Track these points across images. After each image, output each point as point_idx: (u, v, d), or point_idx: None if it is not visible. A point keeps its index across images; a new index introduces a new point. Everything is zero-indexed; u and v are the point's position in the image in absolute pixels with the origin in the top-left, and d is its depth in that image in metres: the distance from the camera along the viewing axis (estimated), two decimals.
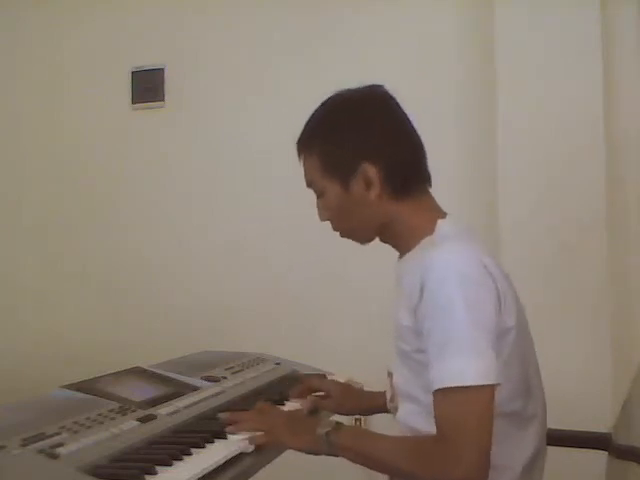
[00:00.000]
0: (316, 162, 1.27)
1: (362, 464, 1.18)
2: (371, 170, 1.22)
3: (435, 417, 1.08)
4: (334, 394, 1.54)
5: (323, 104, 1.30)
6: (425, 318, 1.12)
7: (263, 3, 2.71)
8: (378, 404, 1.49)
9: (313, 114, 1.31)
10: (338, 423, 1.18)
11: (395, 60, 2.50)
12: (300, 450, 1.21)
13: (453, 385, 1.06)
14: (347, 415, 1.60)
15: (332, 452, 1.17)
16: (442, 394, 1.07)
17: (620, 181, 2.29)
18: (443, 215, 1.27)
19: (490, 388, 1.06)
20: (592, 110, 2.24)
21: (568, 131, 2.25)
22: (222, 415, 1.28)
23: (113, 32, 2.91)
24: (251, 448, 1.17)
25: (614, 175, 2.27)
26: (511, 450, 1.16)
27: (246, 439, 1.19)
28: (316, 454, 1.20)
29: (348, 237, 1.32)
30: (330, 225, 1.33)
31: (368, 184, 1.23)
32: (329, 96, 1.30)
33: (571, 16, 2.27)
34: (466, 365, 1.06)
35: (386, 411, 1.43)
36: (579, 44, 2.27)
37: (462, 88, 2.49)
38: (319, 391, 1.57)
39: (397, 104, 1.29)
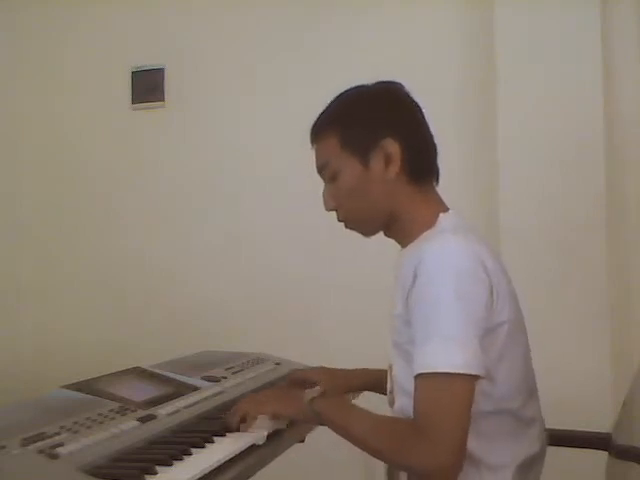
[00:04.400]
0: (333, 142, 1.26)
1: (342, 436, 1.19)
2: (393, 146, 1.23)
3: (413, 401, 1.09)
4: (321, 381, 1.53)
5: (341, 93, 1.31)
6: (414, 306, 1.13)
7: (263, 3, 2.71)
8: (370, 380, 1.51)
9: (329, 104, 1.31)
10: (325, 392, 1.22)
11: (395, 60, 2.49)
12: (287, 416, 1.25)
13: (432, 371, 1.06)
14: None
15: (317, 420, 1.20)
16: (421, 379, 1.08)
17: (620, 181, 2.29)
18: (445, 209, 1.28)
19: (471, 378, 1.06)
20: (592, 110, 2.24)
21: (568, 131, 2.25)
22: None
23: (113, 32, 2.91)
24: (266, 434, 1.19)
25: (614, 175, 2.27)
26: (506, 449, 1.16)
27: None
28: (305, 422, 1.24)
29: (353, 227, 1.31)
30: (333, 218, 1.32)
31: (387, 161, 1.23)
32: (346, 89, 1.32)
33: (571, 16, 2.27)
34: (448, 352, 1.07)
35: (375, 390, 1.46)
36: (579, 44, 2.27)
37: (462, 88, 2.49)
38: (305, 382, 1.55)
39: (414, 99, 1.31)
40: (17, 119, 3.02)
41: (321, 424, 1.21)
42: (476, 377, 1.07)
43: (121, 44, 2.90)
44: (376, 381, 1.45)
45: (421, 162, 1.27)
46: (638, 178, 2.31)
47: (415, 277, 1.13)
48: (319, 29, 2.65)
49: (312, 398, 1.20)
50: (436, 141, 1.32)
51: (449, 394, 1.06)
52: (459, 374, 1.05)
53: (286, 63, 2.68)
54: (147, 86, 2.85)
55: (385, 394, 1.35)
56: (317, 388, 1.25)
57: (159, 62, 2.83)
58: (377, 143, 1.23)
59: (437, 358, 1.06)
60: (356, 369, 1.59)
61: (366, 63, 2.49)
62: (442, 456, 1.03)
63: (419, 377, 1.08)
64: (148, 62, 2.84)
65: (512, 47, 2.32)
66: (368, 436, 1.14)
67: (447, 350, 1.07)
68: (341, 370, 1.59)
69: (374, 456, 1.19)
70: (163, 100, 2.84)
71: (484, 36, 2.40)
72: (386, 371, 1.36)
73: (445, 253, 1.14)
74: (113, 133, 2.92)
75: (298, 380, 1.57)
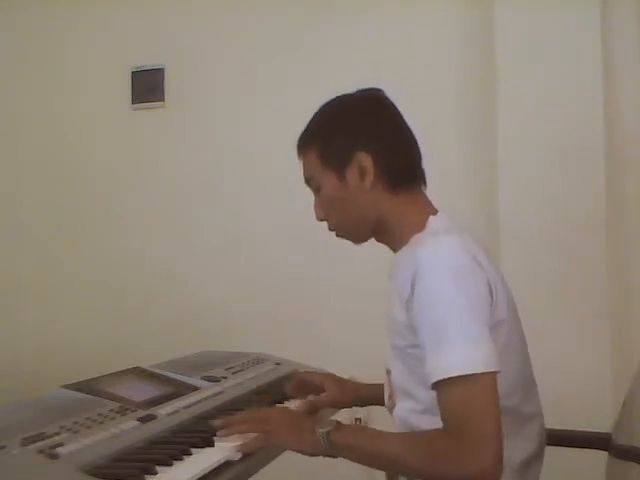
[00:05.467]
0: (313, 156, 1.30)
1: (365, 463, 1.16)
2: (365, 159, 1.25)
3: (441, 409, 1.07)
4: (328, 388, 1.52)
5: (323, 106, 1.34)
6: (419, 311, 1.13)
7: (263, 3, 2.71)
8: (376, 395, 1.48)
9: (313, 115, 1.34)
10: (339, 422, 1.17)
11: (395, 60, 2.50)
12: (298, 451, 1.18)
13: (457, 374, 1.05)
14: (345, 408, 1.57)
15: (332, 452, 1.15)
16: (446, 385, 1.06)
17: (620, 181, 2.29)
18: (435, 212, 1.29)
19: (493, 375, 1.06)
20: (592, 110, 2.24)
21: (568, 131, 2.25)
22: (215, 422, 1.22)
23: (113, 32, 2.91)
24: (239, 456, 1.13)
25: (614, 175, 2.27)
26: (506, 447, 1.16)
27: (237, 445, 1.14)
28: (314, 455, 1.17)
29: (343, 236, 1.34)
30: (327, 226, 1.34)
31: (362, 173, 1.26)
32: (328, 100, 1.34)
33: (571, 16, 2.27)
34: (468, 353, 1.06)
35: (382, 404, 1.42)
36: (579, 44, 2.27)
37: (462, 88, 2.49)
38: (313, 384, 1.55)
39: (393, 105, 1.33)
40: (17, 119, 3.02)
41: (336, 456, 1.15)
42: (495, 373, 1.07)
43: (121, 44, 2.90)
44: (382, 395, 1.45)
45: (400, 169, 1.28)
46: (638, 178, 2.31)
47: (414, 283, 1.13)
48: (319, 29, 2.65)
49: (328, 431, 1.14)
50: (421, 145, 1.32)
51: (479, 396, 1.05)
52: (483, 373, 1.05)
53: (286, 63, 2.69)
54: (147, 86, 2.85)
55: None
56: (329, 419, 1.19)
57: (159, 62, 2.83)
58: (351, 157, 1.26)
59: (456, 361, 1.06)
60: (364, 383, 1.59)
61: (366, 63, 2.50)
62: (489, 457, 1.02)
63: (442, 384, 1.07)
64: (148, 62, 2.84)
65: (512, 47, 2.32)
66: (403, 455, 1.10)
67: (465, 352, 1.06)
68: (350, 381, 1.58)
69: (412, 475, 1.16)
70: (163, 100, 2.84)
71: (484, 36, 2.40)
72: None
73: (440, 255, 1.14)
74: (113, 133, 2.92)
75: (305, 383, 1.56)
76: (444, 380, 1.06)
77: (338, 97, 1.33)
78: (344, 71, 2.49)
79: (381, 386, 1.42)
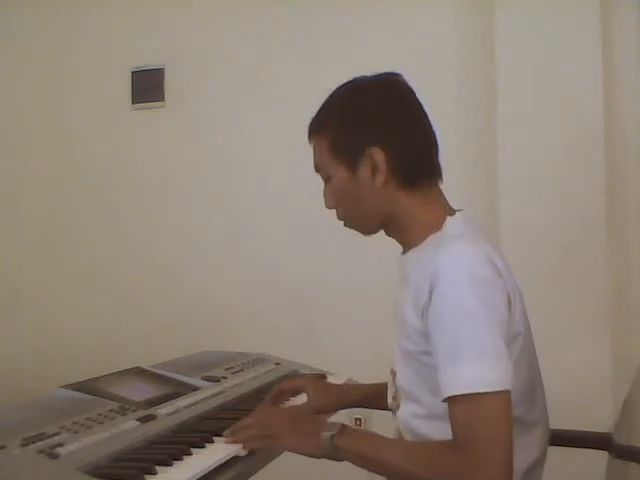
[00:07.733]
0: (325, 145, 1.24)
1: (368, 468, 1.13)
2: (379, 155, 1.19)
3: (452, 424, 1.05)
4: (309, 394, 1.47)
5: (338, 89, 1.28)
6: (435, 320, 1.09)
7: (263, 3, 2.71)
8: (366, 397, 1.46)
9: (327, 98, 1.29)
10: (344, 425, 1.14)
11: (395, 60, 2.47)
12: (303, 454, 1.15)
13: (470, 392, 1.02)
14: (328, 413, 1.49)
15: (336, 456, 1.12)
16: (458, 401, 1.03)
17: (620, 181, 2.29)
18: (452, 212, 1.24)
19: (507, 394, 1.04)
20: (592, 110, 2.24)
21: (568, 131, 2.25)
22: (224, 433, 1.19)
23: (113, 32, 2.91)
24: (244, 452, 1.14)
25: (614, 175, 2.27)
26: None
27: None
28: (319, 458, 1.15)
29: (352, 227, 1.29)
30: (332, 219, 1.31)
31: (374, 170, 1.20)
32: (344, 82, 1.28)
33: (571, 17, 2.27)
34: (482, 370, 1.03)
35: (368, 406, 1.43)
36: (579, 45, 2.27)
37: (462, 88, 2.49)
38: (293, 392, 1.51)
39: (413, 94, 1.27)
40: (18, 119, 3.02)
41: (342, 460, 1.13)
42: (509, 391, 1.04)
43: (121, 44, 2.90)
44: (370, 397, 1.43)
45: (415, 166, 1.23)
46: (638, 178, 2.31)
47: (432, 289, 1.09)
48: (319, 29, 2.65)
49: (332, 435, 1.11)
50: (437, 138, 1.27)
51: (491, 415, 1.02)
52: (496, 392, 1.02)
53: (286, 62, 2.69)
54: (147, 86, 2.85)
55: (381, 409, 1.33)
56: (334, 422, 1.17)
57: (159, 62, 2.84)
58: (364, 152, 1.20)
59: (471, 379, 1.03)
60: (349, 385, 1.57)
61: (366, 63, 2.48)
62: (498, 475, 1.00)
63: (456, 399, 1.04)
64: (148, 62, 2.85)
65: (512, 47, 2.32)
66: (408, 466, 1.07)
67: (480, 369, 1.03)
68: (334, 385, 1.55)
69: None
70: (163, 100, 2.85)
71: (484, 36, 2.40)
72: (380, 385, 1.35)
73: (461, 263, 1.09)
74: (113, 133, 2.92)
75: (287, 391, 1.50)
76: (457, 396, 1.03)
77: (354, 82, 1.28)
78: (344, 71, 2.48)
79: (375, 386, 1.40)
